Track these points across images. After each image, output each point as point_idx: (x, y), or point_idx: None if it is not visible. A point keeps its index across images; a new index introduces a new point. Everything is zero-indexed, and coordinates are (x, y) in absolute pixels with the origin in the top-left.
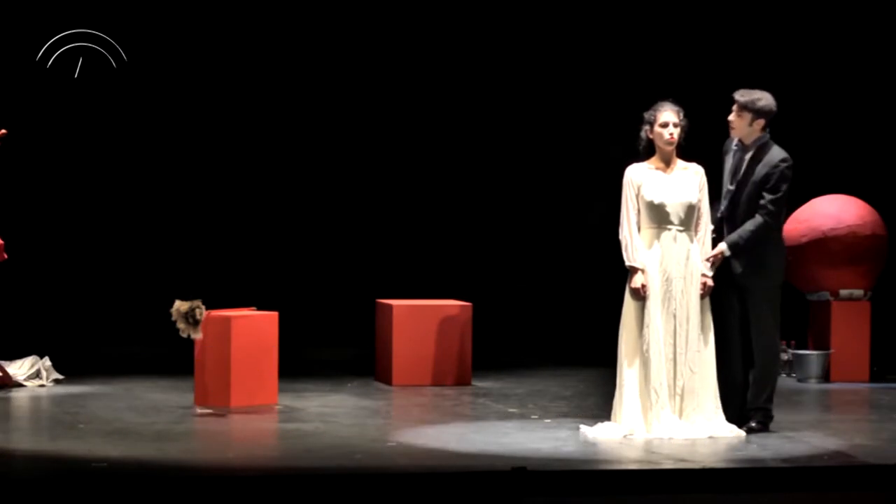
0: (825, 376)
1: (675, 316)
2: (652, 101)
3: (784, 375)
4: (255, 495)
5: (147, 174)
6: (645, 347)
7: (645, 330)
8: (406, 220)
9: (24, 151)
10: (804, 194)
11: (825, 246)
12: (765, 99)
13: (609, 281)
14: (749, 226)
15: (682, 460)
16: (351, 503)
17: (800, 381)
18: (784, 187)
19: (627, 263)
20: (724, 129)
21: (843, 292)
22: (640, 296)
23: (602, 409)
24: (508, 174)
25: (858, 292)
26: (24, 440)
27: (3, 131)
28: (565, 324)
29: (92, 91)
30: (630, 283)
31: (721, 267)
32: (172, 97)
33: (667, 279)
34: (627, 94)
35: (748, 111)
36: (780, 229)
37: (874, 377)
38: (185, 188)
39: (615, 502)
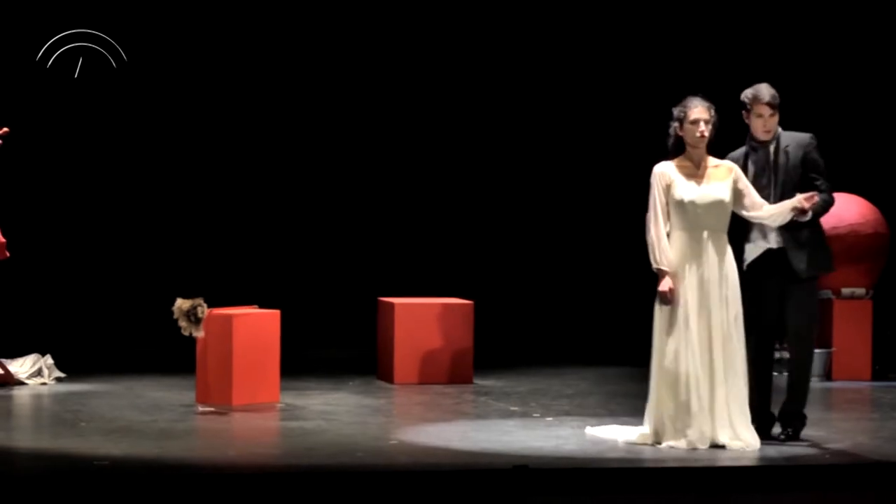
0: (827, 375)
1: (709, 322)
2: (648, 100)
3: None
4: (256, 493)
5: (148, 173)
6: (674, 354)
7: (677, 336)
8: (408, 218)
9: (24, 151)
10: None
11: None
12: (773, 89)
13: (609, 280)
14: (827, 197)
15: (683, 460)
16: (352, 501)
17: None
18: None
19: (654, 266)
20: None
21: (845, 291)
22: (667, 299)
23: (603, 407)
24: (509, 172)
25: (860, 291)
26: (25, 438)
27: (6, 129)
28: (567, 322)
29: (92, 91)
30: (658, 286)
31: (774, 261)
32: (172, 97)
33: (700, 284)
34: (624, 92)
35: (777, 107)
36: None
37: (876, 376)
38: (185, 187)
39: (616, 501)
